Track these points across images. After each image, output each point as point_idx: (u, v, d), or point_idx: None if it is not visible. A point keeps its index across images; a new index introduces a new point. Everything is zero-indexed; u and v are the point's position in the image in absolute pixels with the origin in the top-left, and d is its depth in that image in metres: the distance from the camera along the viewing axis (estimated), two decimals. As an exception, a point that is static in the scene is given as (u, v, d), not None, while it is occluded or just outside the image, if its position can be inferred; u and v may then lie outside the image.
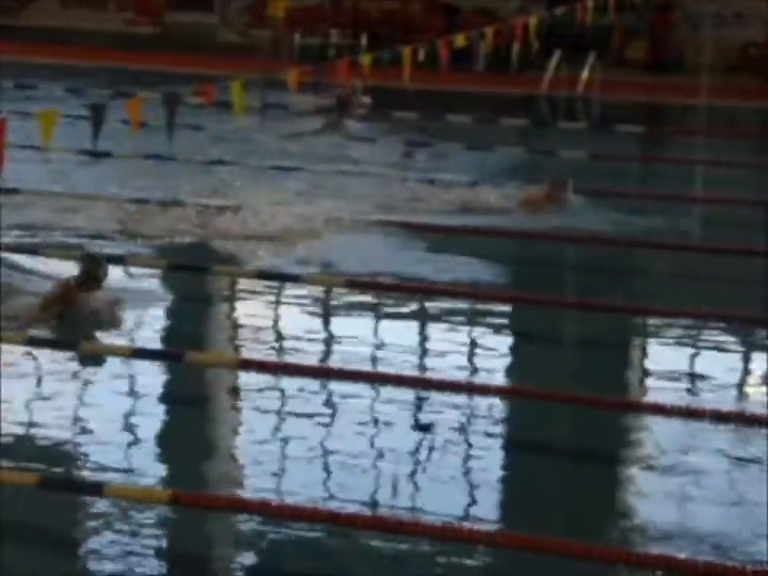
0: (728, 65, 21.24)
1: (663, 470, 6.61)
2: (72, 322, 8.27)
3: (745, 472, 6.60)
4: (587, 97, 19.49)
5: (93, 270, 8.37)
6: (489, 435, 7.02)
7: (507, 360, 8.45)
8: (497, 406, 7.42)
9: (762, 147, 16.56)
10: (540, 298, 9.41)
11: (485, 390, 7.50)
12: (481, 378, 7.77)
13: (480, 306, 9.33)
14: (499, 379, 7.91)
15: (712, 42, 20.68)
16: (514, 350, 8.64)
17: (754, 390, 7.98)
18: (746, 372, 8.26)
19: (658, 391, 7.71)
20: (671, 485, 6.44)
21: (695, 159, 15.33)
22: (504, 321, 9.27)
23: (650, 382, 8.13)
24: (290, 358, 8.07)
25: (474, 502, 6.23)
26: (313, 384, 7.64)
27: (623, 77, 20.87)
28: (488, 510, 6.14)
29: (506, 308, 9.46)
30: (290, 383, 7.65)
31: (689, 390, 7.78)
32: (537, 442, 7.02)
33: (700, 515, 6.12)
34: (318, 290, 9.50)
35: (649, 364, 8.48)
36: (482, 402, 7.40)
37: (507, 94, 20.01)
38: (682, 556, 5.56)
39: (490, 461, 6.71)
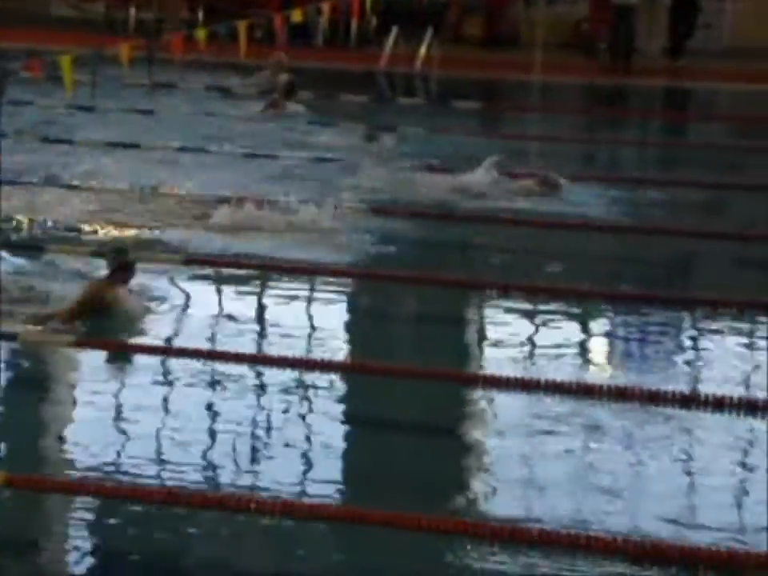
0: (561, 41, 21.59)
1: (505, 441, 6.69)
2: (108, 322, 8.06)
3: (583, 440, 6.72)
4: (425, 73, 19.60)
5: (123, 261, 8.32)
6: (331, 411, 7.01)
7: (348, 336, 8.45)
8: (339, 382, 7.43)
9: (594, 122, 16.85)
10: (382, 274, 9.47)
11: (326, 367, 7.50)
12: (322, 354, 7.76)
13: (321, 283, 9.32)
14: (341, 355, 7.90)
15: (546, 19, 20.98)
16: (354, 325, 8.65)
17: (591, 361, 8.14)
18: (584, 343, 8.42)
19: (498, 364, 7.81)
20: (513, 455, 6.52)
21: (530, 135, 15.56)
22: (344, 297, 9.27)
23: (489, 355, 8.23)
24: (127, 337, 7.94)
25: (317, 478, 6.22)
26: (149, 361, 7.54)
27: (460, 53, 21.04)
28: (332, 486, 6.14)
29: (347, 284, 9.47)
30: (126, 361, 7.54)
31: (527, 363, 7.89)
32: (379, 417, 7.05)
33: (542, 485, 6.21)
34: (157, 268, 9.37)
35: (488, 338, 8.58)
36: (324, 378, 7.40)
37: (347, 70, 20.00)
38: (520, 525, 5.64)
39: (333, 437, 6.71)
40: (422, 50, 19.71)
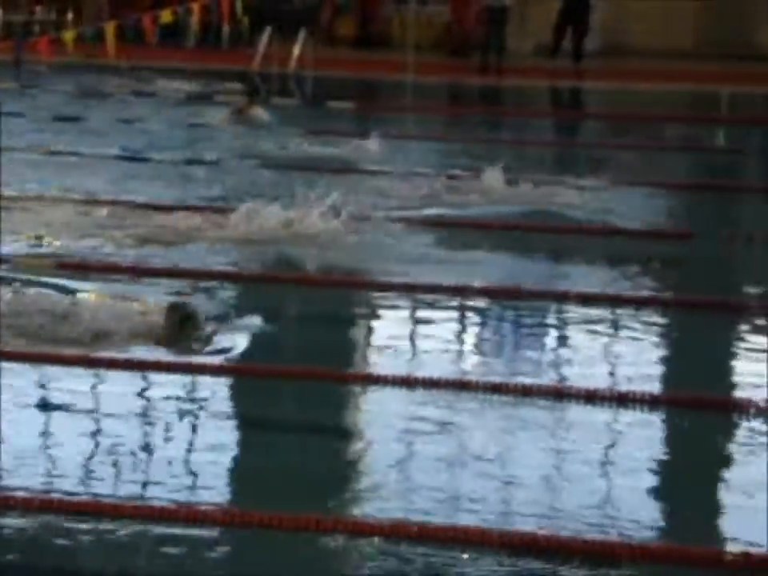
0: (433, 41, 21.75)
1: (385, 438, 6.73)
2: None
3: (459, 435, 6.79)
4: (299, 73, 19.58)
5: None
6: (213, 414, 6.97)
7: (227, 338, 8.39)
8: (219, 386, 7.40)
9: (467, 122, 16.98)
10: (264, 275, 9.47)
11: (204, 370, 7.47)
12: (200, 359, 7.70)
13: (202, 285, 9.26)
14: (218, 360, 7.84)
15: (417, 20, 21.08)
16: (239, 327, 8.58)
17: (467, 356, 8.21)
18: (460, 339, 8.49)
19: (377, 362, 7.86)
20: (393, 452, 6.56)
21: (404, 134, 15.65)
22: (224, 299, 9.21)
23: (369, 353, 8.26)
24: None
25: (200, 481, 6.18)
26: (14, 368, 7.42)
27: (333, 54, 21.08)
28: (216, 489, 6.10)
29: (225, 286, 9.44)
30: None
31: (406, 360, 7.95)
32: (262, 418, 7.04)
33: (421, 480, 6.25)
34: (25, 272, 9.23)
35: (368, 336, 8.61)
36: (204, 382, 7.36)
37: (220, 71, 19.89)
38: (399, 521, 5.69)
39: (217, 439, 6.67)
40: (296, 50, 19.69)
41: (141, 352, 7.72)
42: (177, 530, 5.56)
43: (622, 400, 7.14)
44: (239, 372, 7.64)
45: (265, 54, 19.86)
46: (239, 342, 8.20)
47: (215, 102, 17.21)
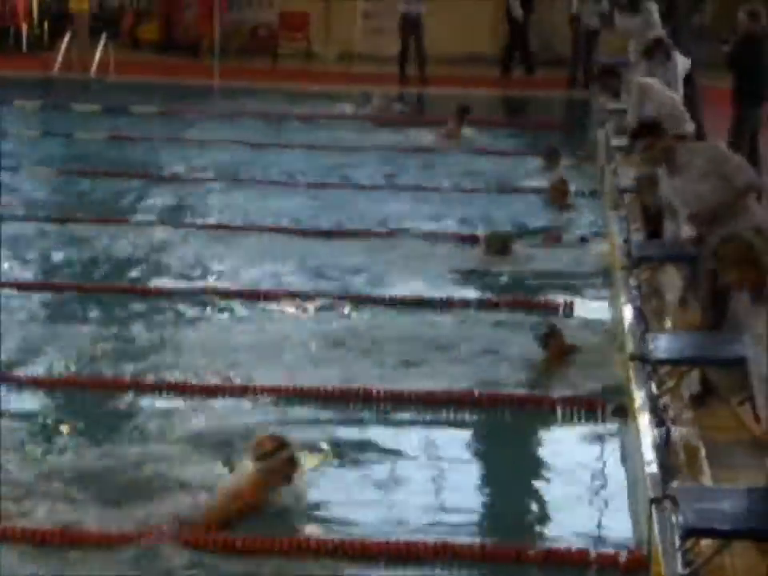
0: (240, 46, 21.58)
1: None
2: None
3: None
4: (101, 78, 19.20)
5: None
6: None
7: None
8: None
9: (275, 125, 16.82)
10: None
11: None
12: None
13: None
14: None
15: (228, 25, 20.90)
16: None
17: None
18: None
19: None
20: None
21: (210, 139, 15.47)
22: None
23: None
24: None
25: None
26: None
27: (137, 58, 20.73)
28: None
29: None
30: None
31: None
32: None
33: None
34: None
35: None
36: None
37: (19, 77, 19.33)
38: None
39: None
40: (97, 55, 19.30)
41: None
42: None
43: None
44: None
45: (65, 59, 19.40)
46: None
47: (14, 107, 16.74)
